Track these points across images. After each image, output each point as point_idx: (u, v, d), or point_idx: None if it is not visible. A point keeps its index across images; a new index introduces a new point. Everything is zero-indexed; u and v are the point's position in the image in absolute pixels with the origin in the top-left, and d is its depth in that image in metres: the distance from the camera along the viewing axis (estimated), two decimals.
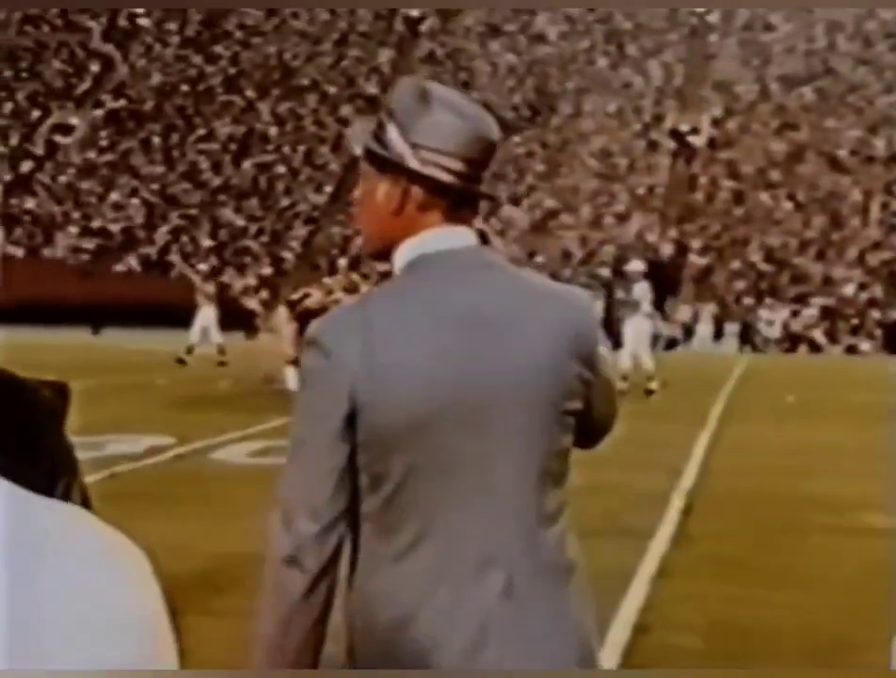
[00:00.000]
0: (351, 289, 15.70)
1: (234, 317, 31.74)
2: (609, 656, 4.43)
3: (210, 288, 21.71)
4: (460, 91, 1.77)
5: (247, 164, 42.62)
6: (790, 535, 7.03)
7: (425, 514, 1.62)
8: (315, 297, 15.84)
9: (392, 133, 1.68)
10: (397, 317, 1.63)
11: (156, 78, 47.42)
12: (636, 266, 16.15)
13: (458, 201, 1.69)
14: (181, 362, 20.26)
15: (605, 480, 7.87)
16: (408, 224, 1.69)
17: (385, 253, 1.74)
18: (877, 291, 32.89)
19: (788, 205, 37.42)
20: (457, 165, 1.66)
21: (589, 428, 1.78)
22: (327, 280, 16.01)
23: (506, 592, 1.63)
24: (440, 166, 1.66)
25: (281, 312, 15.40)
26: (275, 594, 1.63)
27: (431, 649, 1.61)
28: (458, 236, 1.69)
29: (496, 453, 1.63)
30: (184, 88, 46.82)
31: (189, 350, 20.59)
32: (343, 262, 17.33)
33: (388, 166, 1.69)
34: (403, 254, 1.70)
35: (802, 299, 32.70)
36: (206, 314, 21.18)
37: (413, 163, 1.66)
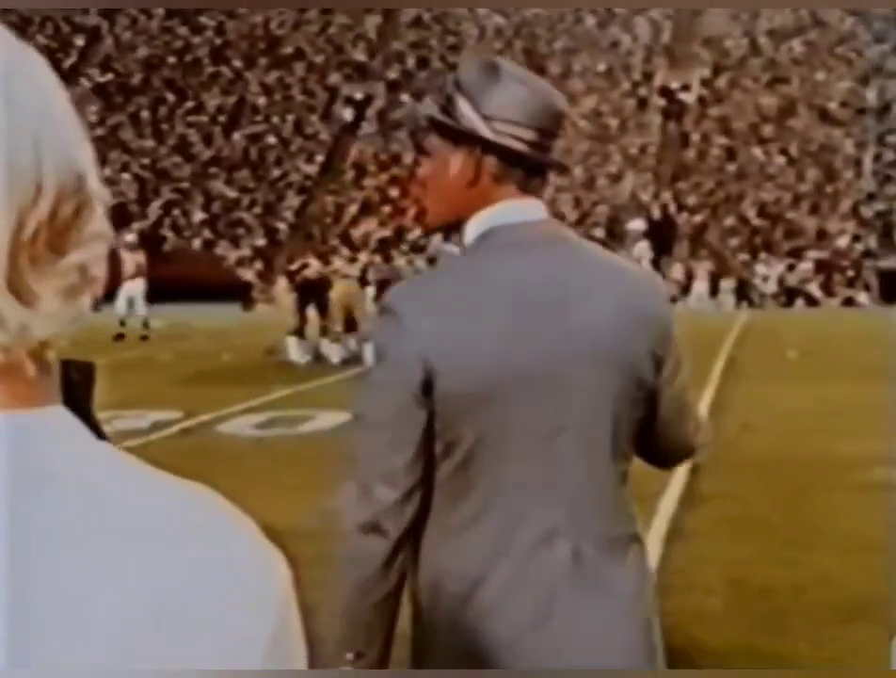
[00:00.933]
0: (352, 259, 15.70)
1: (230, 289, 31.71)
2: None
3: (138, 259, 21.05)
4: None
5: (237, 135, 42.36)
6: (801, 493, 7.07)
7: (494, 482, 1.64)
8: (314, 267, 15.79)
9: (463, 105, 1.69)
10: (470, 288, 1.64)
11: (143, 51, 47.04)
12: (637, 225, 16.13)
13: (531, 171, 1.71)
14: (120, 337, 19.92)
15: None
16: (482, 196, 1.70)
17: (452, 226, 1.76)
18: (872, 242, 32.89)
19: (780, 160, 37.31)
20: (530, 134, 1.68)
21: (660, 433, 1.80)
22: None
23: (574, 562, 1.65)
24: (513, 136, 1.67)
25: (281, 283, 15.42)
26: (353, 563, 1.64)
27: (498, 618, 1.63)
28: (531, 209, 1.72)
29: (564, 425, 1.65)
30: (171, 59, 46.47)
31: (122, 323, 20.35)
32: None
33: (461, 138, 1.70)
34: (475, 226, 1.71)
35: (797, 253, 32.68)
36: (132, 286, 20.60)
37: (487, 133, 1.67)
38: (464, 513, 1.65)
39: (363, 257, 16.79)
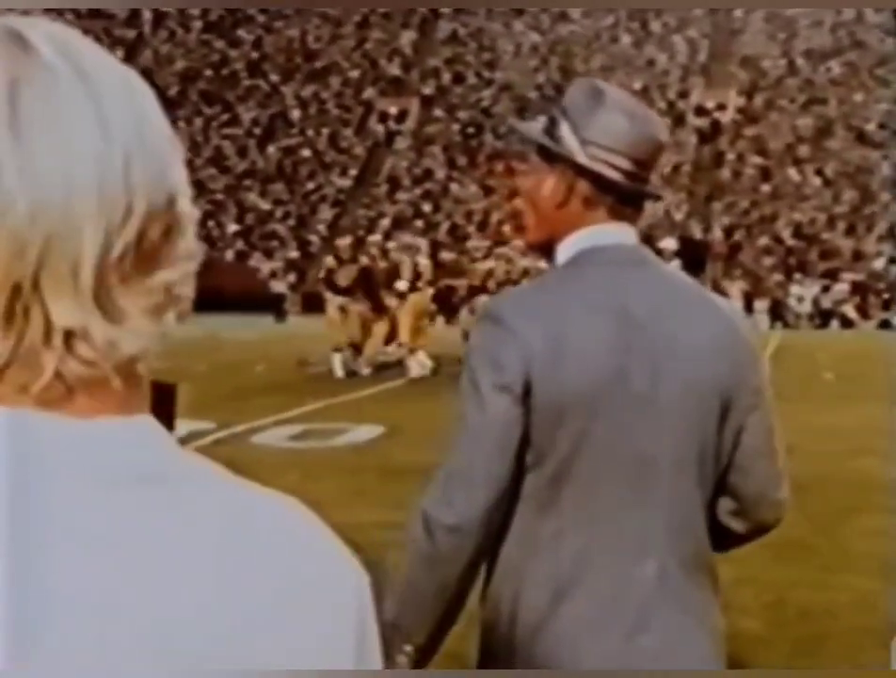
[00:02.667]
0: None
1: (264, 301, 31.85)
2: None
3: None
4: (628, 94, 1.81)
5: (271, 148, 42.65)
6: (841, 515, 6.99)
7: (584, 498, 1.66)
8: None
9: (564, 128, 1.74)
10: (572, 301, 1.68)
11: (180, 64, 47.48)
12: (668, 244, 16.05)
13: (623, 199, 1.74)
14: None
15: None
16: (572, 218, 1.74)
17: (546, 246, 1.79)
18: None
19: (816, 181, 37.12)
20: (625, 163, 1.71)
21: (738, 482, 1.77)
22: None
23: (661, 579, 1.67)
24: (607, 163, 1.70)
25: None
26: (437, 563, 1.67)
27: (591, 632, 1.65)
28: (622, 234, 1.74)
29: (656, 446, 1.67)
30: (208, 72, 46.86)
31: None
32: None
33: (557, 159, 1.74)
34: (566, 248, 1.75)
35: (832, 275, 32.45)
36: None
37: (582, 158, 1.71)
38: (552, 526, 1.66)
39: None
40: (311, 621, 0.63)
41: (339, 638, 0.64)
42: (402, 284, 15.59)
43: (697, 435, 1.69)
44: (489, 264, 17.68)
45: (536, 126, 1.80)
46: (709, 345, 1.70)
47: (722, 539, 1.82)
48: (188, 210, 0.66)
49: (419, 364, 15.46)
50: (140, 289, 0.62)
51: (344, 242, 16.71)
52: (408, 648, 1.71)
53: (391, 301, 15.65)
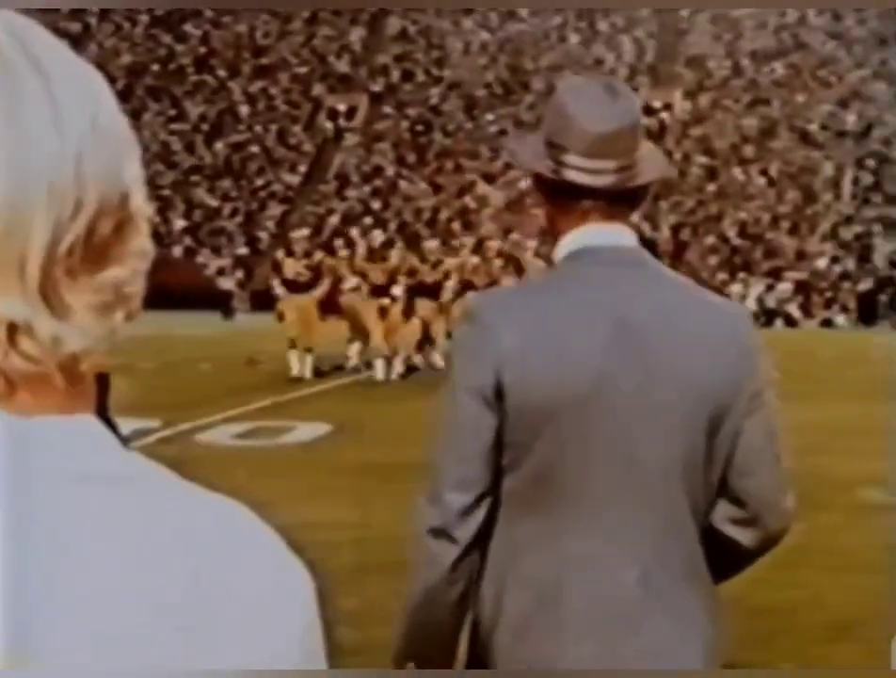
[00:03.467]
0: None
1: (211, 298, 31.59)
2: None
3: None
4: (604, 82, 1.77)
5: (219, 144, 42.32)
6: (796, 513, 7.08)
7: (569, 499, 1.64)
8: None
9: (538, 141, 1.76)
10: (555, 305, 1.67)
11: (126, 58, 46.95)
12: None
13: (614, 199, 1.72)
14: None
15: None
16: (567, 221, 1.74)
17: (553, 244, 1.82)
18: (850, 264, 33.12)
19: (761, 180, 37.57)
20: (607, 164, 1.68)
21: (737, 485, 1.71)
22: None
23: (645, 584, 1.64)
24: (583, 169, 1.68)
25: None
26: (423, 567, 1.68)
27: (574, 636, 1.63)
28: (618, 234, 1.73)
29: (638, 451, 1.64)
30: (155, 67, 46.38)
31: None
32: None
33: (540, 177, 1.76)
34: (563, 246, 1.75)
35: (776, 274, 32.88)
36: None
37: (545, 169, 1.72)
38: (532, 529, 1.65)
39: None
40: (255, 629, 0.61)
41: (283, 651, 0.62)
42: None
43: (684, 442, 1.65)
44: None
45: (525, 145, 1.83)
46: (702, 349, 1.66)
47: (726, 557, 1.76)
48: (142, 207, 0.65)
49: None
50: (88, 286, 0.61)
51: (300, 234, 16.49)
52: (410, 665, 1.71)
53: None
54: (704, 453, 1.66)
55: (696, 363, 1.65)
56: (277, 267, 15.86)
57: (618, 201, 1.72)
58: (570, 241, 1.73)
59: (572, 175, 1.69)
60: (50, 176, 0.59)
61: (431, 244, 18.33)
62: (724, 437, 1.67)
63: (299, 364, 14.97)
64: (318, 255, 15.94)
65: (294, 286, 15.10)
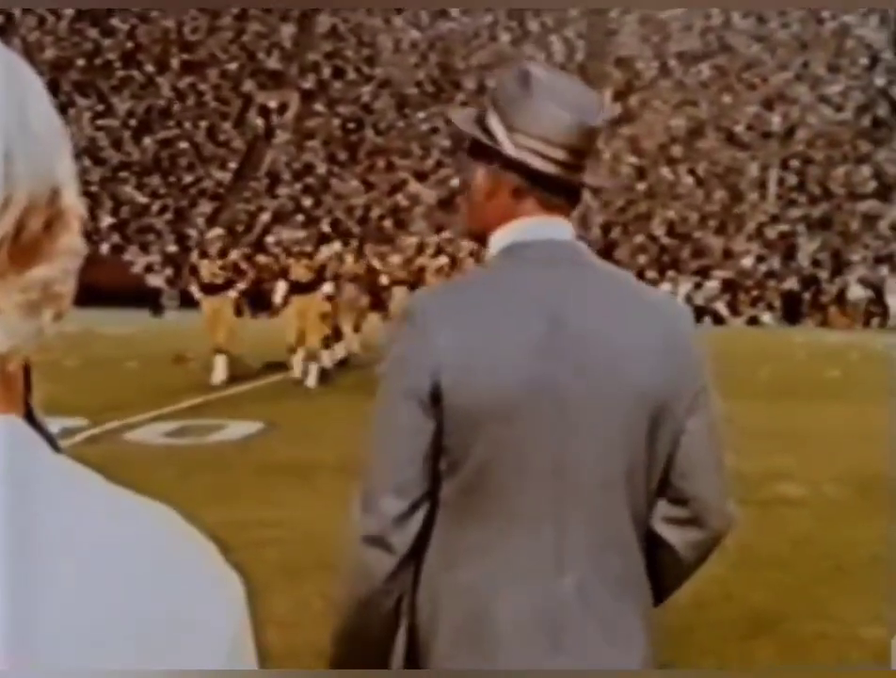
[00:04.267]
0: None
1: (139, 296, 31.21)
2: None
3: None
4: (565, 76, 1.71)
5: (147, 140, 41.78)
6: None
7: (500, 510, 1.57)
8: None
9: (492, 118, 1.66)
10: (490, 302, 1.59)
11: (50, 52, 46.12)
12: None
13: (555, 189, 1.64)
14: None
15: None
16: (502, 211, 1.66)
17: (482, 237, 1.72)
18: (775, 263, 33.73)
19: (689, 180, 38.08)
20: (556, 152, 1.61)
21: (676, 485, 1.65)
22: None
23: (580, 597, 1.58)
24: (536, 152, 1.61)
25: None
26: (356, 576, 1.61)
27: (504, 650, 1.58)
28: (553, 228, 1.66)
29: (576, 455, 1.58)
30: (80, 62, 45.64)
31: None
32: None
33: (484, 150, 1.67)
34: (496, 241, 1.67)
35: (704, 272, 33.36)
36: None
37: (508, 148, 1.62)
38: (469, 539, 1.59)
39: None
40: (186, 635, 0.59)
41: (208, 654, 0.60)
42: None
43: (625, 446, 1.59)
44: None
45: (468, 115, 1.71)
46: (641, 349, 1.59)
47: (664, 567, 1.70)
48: (74, 205, 0.63)
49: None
50: (15, 284, 0.59)
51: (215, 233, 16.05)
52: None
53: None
54: (646, 456, 1.61)
55: (635, 364, 1.58)
56: (193, 270, 15.26)
57: (561, 196, 1.65)
58: (506, 234, 1.65)
59: (538, 162, 1.61)
60: None
61: (408, 242, 18.31)
62: (665, 438, 1.61)
63: (221, 369, 14.32)
64: (233, 254, 15.45)
65: (210, 288, 14.53)
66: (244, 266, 15.37)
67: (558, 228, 1.66)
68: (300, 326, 14.56)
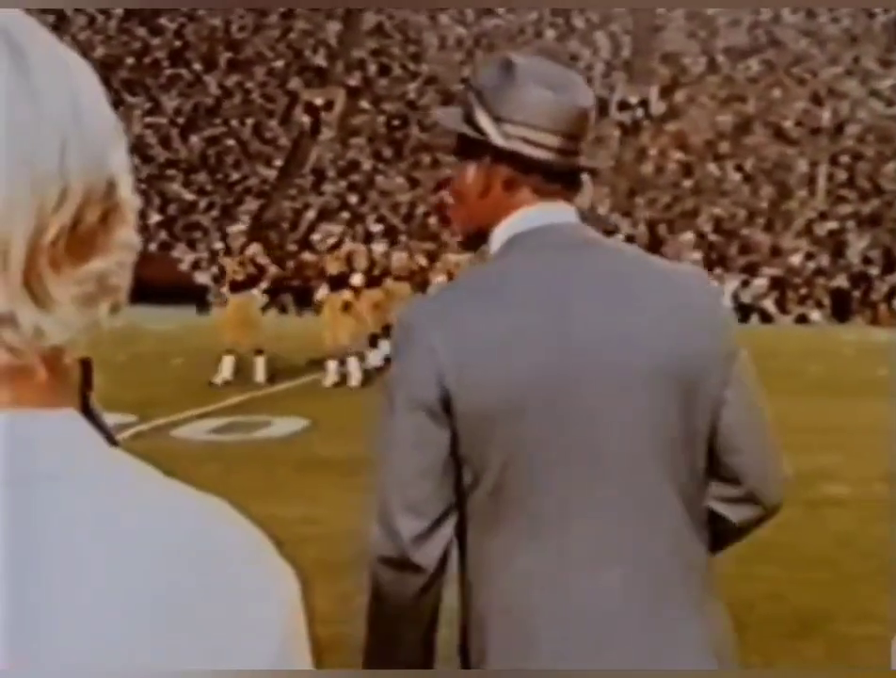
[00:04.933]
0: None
1: (186, 292, 31.48)
2: None
3: None
4: (552, 62, 1.63)
5: (195, 138, 42.13)
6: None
7: (532, 510, 1.49)
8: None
9: (478, 111, 1.59)
10: (491, 298, 1.52)
11: (100, 51, 46.65)
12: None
13: (550, 176, 1.57)
14: None
15: None
16: (497, 206, 1.59)
17: (478, 240, 1.64)
18: (824, 260, 33.34)
19: (736, 176, 37.75)
20: (548, 138, 1.55)
21: (725, 461, 1.58)
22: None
23: (627, 589, 1.50)
24: (527, 141, 1.55)
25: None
26: (383, 599, 1.54)
27: (554, 649, 1.49)
28: (554, 213, 1.58)
29: (599, 443, 1.49)
30: (129, 61, 46.12)
31: None
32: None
33: (472, 146, 1.60)
34: (497, 237, 1.59)
35: (751, 270, 33.06)
36: None
37: (497, 139, 1.56)
38: (500, 546, 1.51)
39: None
40: (232, 630, 0.59)
41: (260, 652, 0.60)
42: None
43: (655, 426, 1.50)
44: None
45: (453, 113, 1.64)
46: (656, 323, 1.51)
47: (716, 536, 1.63)
48: (129, 197, 0.63)
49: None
50: (73, 277, 0.59)
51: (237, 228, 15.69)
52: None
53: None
54: (682, 433, 1.52)
55: (650, 340, 1.50)
56: (221, 269, 14.98)
57: (557, 183, 1.58)
58: (506, 228, 1.58)
59: (530, 149, 1.55)
60: (32, 163, 0.57)
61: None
62: (701, 411, 1.52)
63: (226, 368, 13.86)
64: (252, 249, 14.78)
65: (235, 286, 14.11)
66: (262, 261, 14.69)
67: (559, 212, 1.58)
68: (332, 324, 14.11)
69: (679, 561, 1.53)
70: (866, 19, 43.15)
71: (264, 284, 14.52)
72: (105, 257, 0.61)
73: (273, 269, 15.19)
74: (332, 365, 14.12)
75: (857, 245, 33.88)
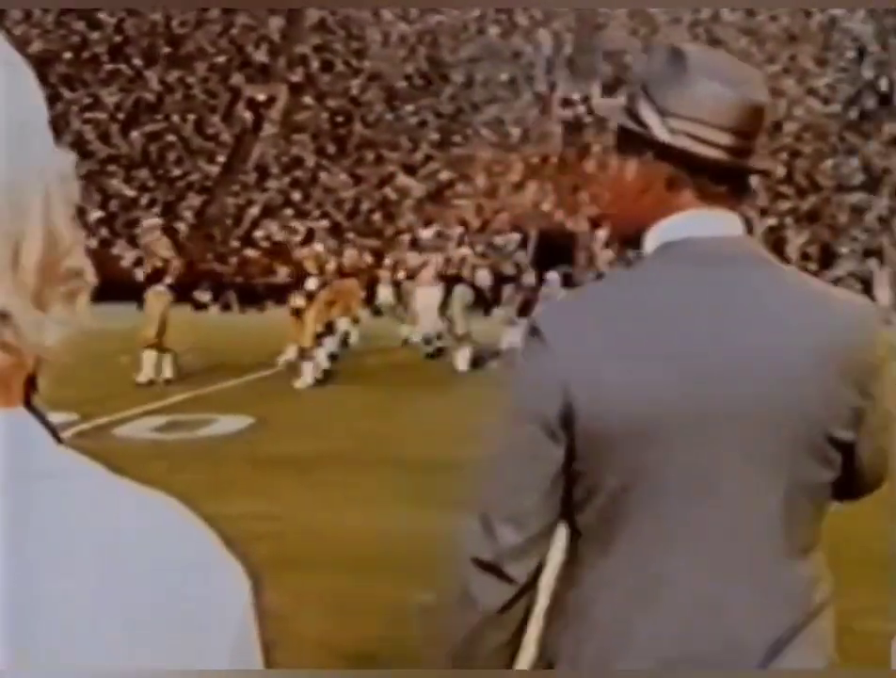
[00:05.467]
0: None
1: (127, 289, 31.12)
2: None
3: None
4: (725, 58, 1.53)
5: (135, 134, 41.65)
6: None
7: (644, 535, 1.42)
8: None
9: (641, 103, 1.48)
10: (632, 309, 1.41)
11: (37, 45, 45.92)
12: (553, 276, 16.83)
13: (718, 178, 1.46)
14: None
15: None
16: (656, 206, 1.48)
17: (634, 239, 1.53)
18: None
19: None
20: (720, 136, 1.44)
21: (855, 476, 1.52)
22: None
23: (733, 630, 1.42)
24: (695, 137, 1.44)
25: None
26: (467, 603, 1.47)
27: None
28: (718, 221, 1.47)
29: (727, 476, 1.40)
30: (68, 55, 45.46)
31: None
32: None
33: (634, 140, 1.50)
34: (653, 238, 1.48)
35: None
36: None
37: (662, 134, 1.45)
38: (613, 564, 1.43)
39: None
40: (193, 628, 0.59)
41: (216, 649, 0.60)
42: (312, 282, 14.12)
43: (785, 465, 1.41)
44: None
45: (615, 104, 1.55)
46: (808, 357, 1.40)
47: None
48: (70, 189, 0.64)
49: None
50: (58, 278, 0.60)
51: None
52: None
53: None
54: (812, 479, 1.44)
55: (807, 374, 1.40)
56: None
57: (724, 185, 1.47)
58: (661, 232, 1.47)
59: (699, 147, 1.44)
60: (40, 158, 0.59)
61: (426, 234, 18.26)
62: (842, 437, 1.43)
63: (152, 366, 13.51)
64: (152, 238, 14.32)
65: (149, 279, 13.78)
66: (166, 254, 14.18)
67: (722, 222, 1.47)
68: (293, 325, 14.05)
69: (783, 592, 1.45)
70: (803, 18, 43.79)
71: (168, 279, 13.94)
72: (76, 254, 0.63)
73: (176, 263, 14.57)
74: (308, 366, 13.85)
75: (796, 241, 34.41)
